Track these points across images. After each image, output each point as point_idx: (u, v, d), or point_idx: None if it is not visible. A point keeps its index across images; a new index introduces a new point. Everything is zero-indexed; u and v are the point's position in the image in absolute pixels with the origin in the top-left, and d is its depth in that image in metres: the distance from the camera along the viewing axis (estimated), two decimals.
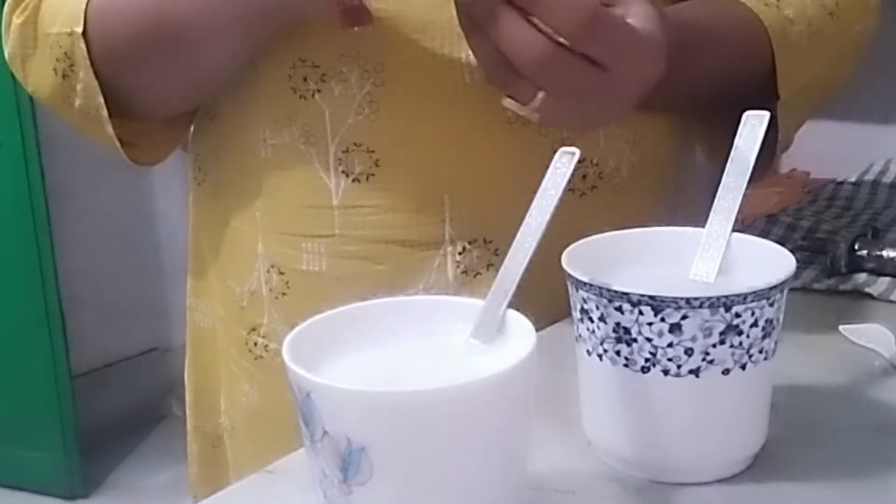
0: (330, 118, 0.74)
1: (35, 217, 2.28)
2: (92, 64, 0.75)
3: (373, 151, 0.74)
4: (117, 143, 0.79)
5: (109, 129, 0.77)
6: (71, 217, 2.49)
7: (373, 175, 0.74)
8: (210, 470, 0.91)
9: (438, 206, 0.75)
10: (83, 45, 0.74)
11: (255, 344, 0.82)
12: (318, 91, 0.74)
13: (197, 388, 0.91)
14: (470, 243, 0.75)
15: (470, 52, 0.68)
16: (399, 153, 0.74)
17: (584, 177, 0.77)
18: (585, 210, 0.76)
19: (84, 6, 0.74)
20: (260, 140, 0.77)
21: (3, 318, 2.36)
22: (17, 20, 0.79)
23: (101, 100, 0.76)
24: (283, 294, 0.79)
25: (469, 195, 0.75)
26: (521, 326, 0.51)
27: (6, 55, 0.82)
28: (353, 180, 0.75)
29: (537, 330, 0.50)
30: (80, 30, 0.74)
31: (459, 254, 0.75)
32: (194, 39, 0.73)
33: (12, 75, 0.82)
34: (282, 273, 0.79)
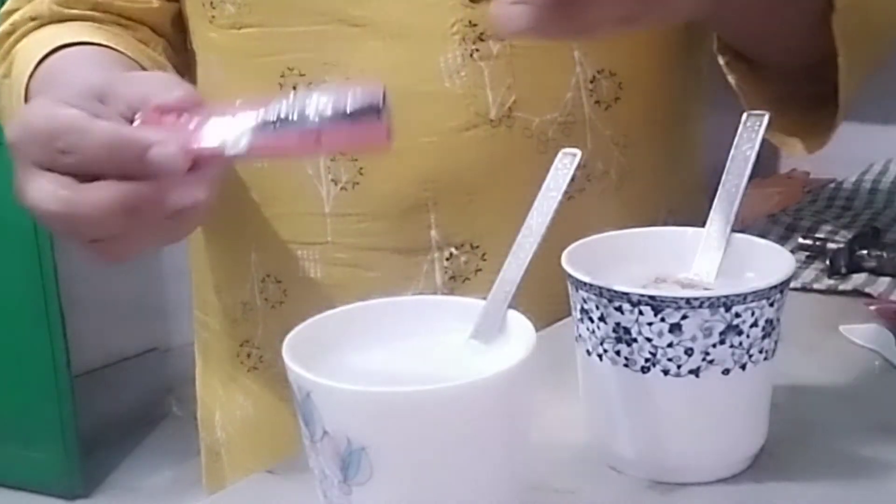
0: None
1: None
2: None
3: (356, 160, 0.74)
4: None
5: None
6: None
7: (357, 184, 0.75)
8: (214, 484, 0.91)
9: (423, 212, 0.75)
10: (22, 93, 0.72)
11: (249, 356, 0.82)
12: None
13: (201, 402, 0.92)
14: (457, 248, 0.75)
15: (448, 57, 0.68)
16: (382, 161, 0.74)
17: (572, 178, 0.76)
18: (574, 212, 0.75)
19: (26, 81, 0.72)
20: None
21: (3, 318, 2.36)
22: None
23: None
24: (280, 303, 0.79)
25: (454, 201, 0.74)
26: (521, 326, 0.51)
27: None
28: (341, 188, 0.75)
29: (537, 330, 0.50)
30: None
31: (447, 259, 0.75)
32: None
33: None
34: (279, 281, 0.79)
